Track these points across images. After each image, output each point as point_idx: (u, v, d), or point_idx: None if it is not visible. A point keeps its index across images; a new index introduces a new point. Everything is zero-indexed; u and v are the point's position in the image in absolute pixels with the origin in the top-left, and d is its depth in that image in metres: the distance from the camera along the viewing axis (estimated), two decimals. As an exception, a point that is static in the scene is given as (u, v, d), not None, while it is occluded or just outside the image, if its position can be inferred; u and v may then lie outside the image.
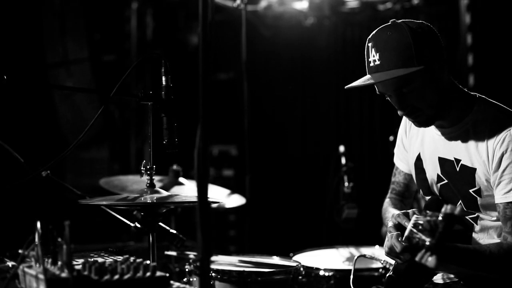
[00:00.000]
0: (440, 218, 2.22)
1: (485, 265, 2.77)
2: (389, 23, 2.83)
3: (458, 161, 2.91)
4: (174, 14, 7.73)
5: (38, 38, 6.81)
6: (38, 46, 6.80)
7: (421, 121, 2.88)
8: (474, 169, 2.85)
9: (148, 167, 3.00)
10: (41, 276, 2.20)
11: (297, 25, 6.95)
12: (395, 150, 3.34)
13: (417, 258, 2.30)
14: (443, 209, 2.23)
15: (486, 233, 2.94)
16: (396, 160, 3.35)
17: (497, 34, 6.04)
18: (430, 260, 2.23)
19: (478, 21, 6.07)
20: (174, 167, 4.41)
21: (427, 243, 2.24)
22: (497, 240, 2.89)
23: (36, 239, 2.30)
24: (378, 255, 3.73)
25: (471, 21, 6.05)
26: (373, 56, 2.78)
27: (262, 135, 7.07)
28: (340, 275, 3.77)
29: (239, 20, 5.37)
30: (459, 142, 2.90)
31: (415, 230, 2.32)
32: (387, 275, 3.10)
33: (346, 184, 4.51)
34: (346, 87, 2.89)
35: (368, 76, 2.83)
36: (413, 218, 2.37)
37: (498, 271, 2.79)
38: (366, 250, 4.24)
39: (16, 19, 6.48)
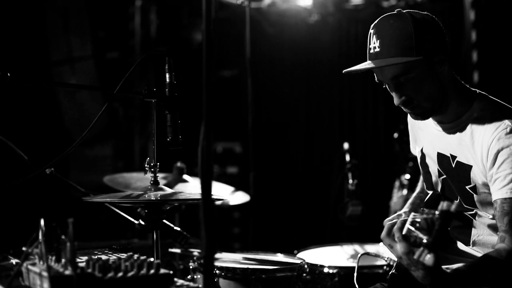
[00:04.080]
0: (436, 215, 2.21)
1: (490, 279, 2.71)
2: (395, 11, 2.84)
3: (454, 157, 2.90)
4: (178, 11, 7.73)
5: (42, 36, 6.82)
6: (42, 44, 6.81)
7: (417, 113, 2.87)
8: (470, 166, 2.84)
9: (152, 164, 3.00)
10: (44, 274, 2.21)
11: (301, 22, 6.95)
12: (410, 139, 3.34)
13: (415, 256, 2.29)
14: (439, 206, 2.22)
15: (485, 230, 2.93)
16: (411, 149, 3.36)
17: (501, 31, 6.03)
18: (428, 259, 2.23)
19: (483, 18, 6.06)
20: (178, 164, 4.41)
21: (424, 241, 2.23)
22: (495, 237, 2.88)
23: (40, 237, 2.30)
24: (382, 252, 3.73)
25: (475, 18, 6.05)
26: (374, 43, 2.80)
27: (266, 132, 7.08)
28: (345, 272, 3.76)
29: (243, 17, 5.36)
30: (456, 138, 2.89)
31: (412, 229, 2.31)
32: (390, 272, 3.10)
33: (350, 181, 4.51)
34: (344, 71, 2.90)
35: (368, 62, 2.83)
36: (411, 216, 2.35)
37: (505, 279, 2.74)
38: (370, 247, 4.24)
39: (20, 17, 6.49)
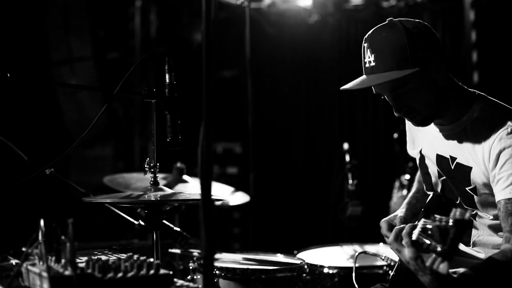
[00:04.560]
0: (450, 223, 2.19)
1: (497, 281, 2.69)
2: (386, 22, 2.82)
3: (453, 159, 2.89)
4: (178, 12, 7.73)
5: (42, 36, 6.82)
6: (42, 44, 6.81)
7: (418, 121, 2.87)
8: (470, 168, 2.83)
9: (152, 164, 3.00)
10: (44, 274, 2.21)
11: (301, 23, 6.95)
12: (407, 139, 3.35)
13: (428, 264, 2.26)
14: (452, 214, 2.19)
15: (485, 231, 2.93)
16: (408, 149, 3.37)
17: (501, 31, 6.03)
18: (442, 267, 2.20)
19: (483, 18, 6.06)
20: (178, 164, 4.41)
21: (439, 249, 2.20)
22: (496, 237, 2.88)
23: (40, 237, 2.30)
24: (381, 253, 3.73)
25: (475, 18, 6.05)
26: (369, 57, 2.79)
27: (266, 133, 7.07)
28: (344, 272, 3.76)
29: (243, 18, 5.36)
30: (456, 140, 2.89)
31: (424, 235, 2.29)
32: (391, 274, 3.10)
33: (350, 181, 4.50)
34: (341, 88, 2.89)
35: (364, 76, 2.83)
36: (421, 222, 2.33)
37: (511, 280, 2.73)
38: (370, 248, 4.24)
39: (20, 17, 6.49)
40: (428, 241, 2.26)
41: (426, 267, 2.30)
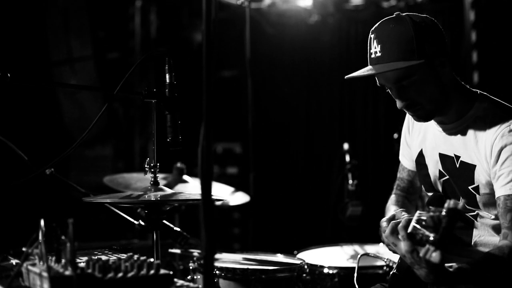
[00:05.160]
0: (443, 213, 2.21)
1: (493, 277, 2.69)
2: (394, 15, 2.84)
3: (458, 157, 2.90)
4: (178, 12, 7.73)
5: (42, 36, 6.81)
6: (42, 44, 6.81)
7: (420, 115, 2.88)
8: (474, 166, 2.84)
9: (152, 164, 3.00)
10: (44, 274, 2.21)
11: (301, 23, 6.95)
12: (400, 147, 3.34)
13: (421, 254, 2.28)
14: (446, 204, 2.21)
15: (486, 231, 2.93)
16: (401, 157, 3.36)
17: (501, 31, 6.03)
18: (435, 256, 2.22)
19: (483, 18, 6.06)
20: (178, 164, 4.41)
21: (431, 238, 2.23)
22: (497, 238, 2.87)
23: (40, 237, 2.30)
24: (382, 253, 3.73)
25: (475, 18, 6.05)
26: (375, 48, 2.79)
27: (266, 133, 7.07)
28: (344, 272, 3.76)
29: (243, 18, 5.37)
30: (459, 138, 2.89)
31: (418, 226, 2.31)
32: (391, 272, 3.10)
33: (350, 181, 4.51)
34: (346, 76, 2.89)
35: (369, 67, 2.83)
36: (416, 214, 2.35)
37: (508, 276, 2.73)
38: (370, 248, 4.24)
39: (20, 17, 6.48)
40: (422, 232, 2.28)
41: (421, 259, 2.31)
